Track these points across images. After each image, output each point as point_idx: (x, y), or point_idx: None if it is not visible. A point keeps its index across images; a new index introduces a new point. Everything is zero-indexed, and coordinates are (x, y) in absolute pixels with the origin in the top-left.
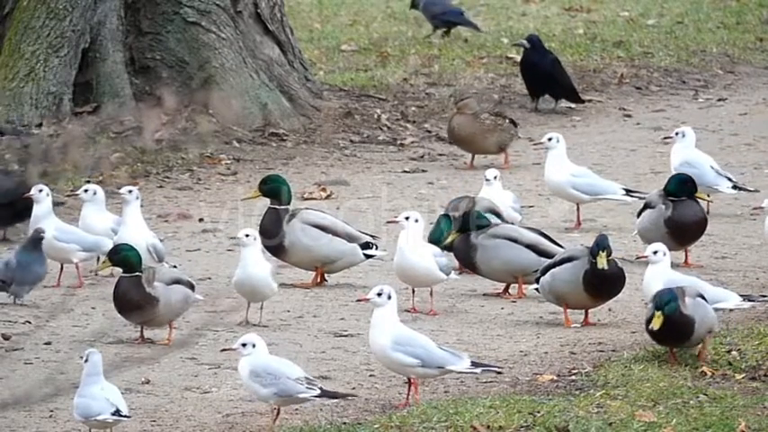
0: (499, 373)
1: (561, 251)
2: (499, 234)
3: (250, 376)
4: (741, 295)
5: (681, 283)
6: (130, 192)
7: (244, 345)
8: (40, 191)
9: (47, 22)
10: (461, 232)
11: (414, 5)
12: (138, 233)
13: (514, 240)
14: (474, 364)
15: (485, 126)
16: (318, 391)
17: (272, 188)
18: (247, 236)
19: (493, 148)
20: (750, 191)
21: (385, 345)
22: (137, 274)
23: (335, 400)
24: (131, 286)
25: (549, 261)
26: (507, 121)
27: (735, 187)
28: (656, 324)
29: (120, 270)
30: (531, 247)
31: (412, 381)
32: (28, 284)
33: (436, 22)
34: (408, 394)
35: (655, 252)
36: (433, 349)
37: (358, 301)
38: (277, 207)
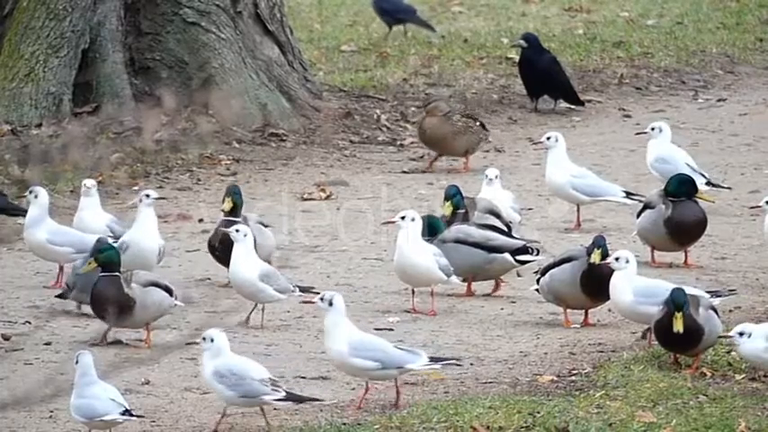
0: (459, 365)
1: (514, 243)
2: (447, 238)
3: (214, 376)
4: (708, 291)
5: (649, 287)
6: (148, 196)
7: (204, 339)
8: (30, 192)
9: (46, 23)
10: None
11: None
12: (151, 235)
13: (462, 242)
14: (432, 359)
15: (456, 128)
16: (283, 394)
17: (241, 200)
18: (237, 231)
19: (461, 149)
20: (724, 188)
21: (342, 351)
22: (116, 274)
23: (297, 403)
24: (110, 286)
25: (549, 261)
26: (478, 123)
27: (708, 183)
28: (679, 326)
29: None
30: (479, 245)
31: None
32: (87, 293)
33: (387, 19)
34: (362, 397)
35: (617, 258)
36: (390, 350)
37: (303, 302)
38: (234, 218)
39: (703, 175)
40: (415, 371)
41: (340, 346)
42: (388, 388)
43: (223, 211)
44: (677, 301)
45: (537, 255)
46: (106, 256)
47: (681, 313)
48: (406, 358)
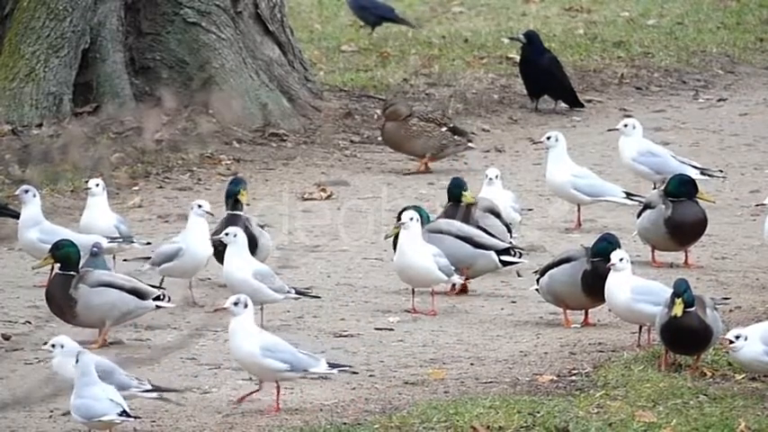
0: (354, 372)
1: (500, 244)
2: (434, 228)
3: None
4: None
5: (645, 286)
6: (200, 206)
7: (53, 345)
8: (26, 191)
9: (47, 23)
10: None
11: None
12: (204, 244)
13: (450, 234)
14: (330, 365)
15: (410, 132)
16: (149, 386)
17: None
18: (227, 234)
19: (421, 153)
20: (717, 176)
21: (254, 352)
22: (72, 273)
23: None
24: (59, 284)
25: (547, 262)
26: (443, 128)
27: (703, 174)
28: (678, 311)
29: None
30: (467, 239)
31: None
32: None
33: (367, 18)
34: (278, 398)
35: (621, 259)
36: (297, 353)
37: (215, 310)
38: (238, 212)
39: (694, 167)
40: (316, 374)
41: (251, 347)
42: (388, 388)
43: (247, 204)
44: (678, 289)
45: (520, 257)
46: (63, 254)
47: (681, 299)
48: (310, 362)
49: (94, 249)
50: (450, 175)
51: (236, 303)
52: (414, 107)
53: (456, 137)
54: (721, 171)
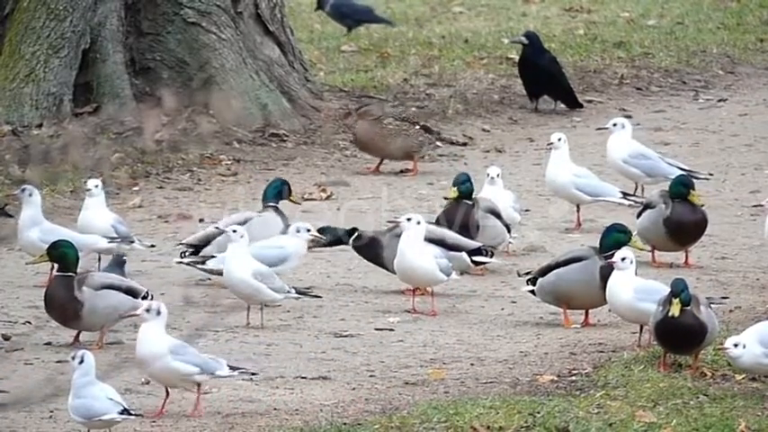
0: (254, 374)
1: (472, 243)
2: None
3: None
4: None
5: (647, 285)
6: (308, 230)
7: None
8: (23, 190)
9: (47, 23)
10: (331, 245)
11: (319, 6)
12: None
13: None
14: (231, 368)
15: (386, 131)
16: None
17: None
18: (234, 231)
19: (398, 153)
20: (701, 178)
21: (164, 356)
22: (70, 274)
23: None
24: (61, 286)
25: (548, 262)
26: (417, 126)
27: (690, 176)
28: (676, 311)
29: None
30: (437, 241)
31: (195, 390)
32: None
33: (348, 23)
34: (163, 406)
35: (623, 258)
36: (203, 356)
37: (123, 317)
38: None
39: (682, 169)
40: (221, 378)
41: (161, 351)
42: (388, 388)
43: (297, 203)
44: (675, 288)
45: (491, 257)
46: (59, 254)
47: (678, 299)
48: (215, 365)
49: (123, 258)
50: (451, 176)
51: (148, 310)
52: (386, 109)
53: (429, 135)
54: (711, 174)
